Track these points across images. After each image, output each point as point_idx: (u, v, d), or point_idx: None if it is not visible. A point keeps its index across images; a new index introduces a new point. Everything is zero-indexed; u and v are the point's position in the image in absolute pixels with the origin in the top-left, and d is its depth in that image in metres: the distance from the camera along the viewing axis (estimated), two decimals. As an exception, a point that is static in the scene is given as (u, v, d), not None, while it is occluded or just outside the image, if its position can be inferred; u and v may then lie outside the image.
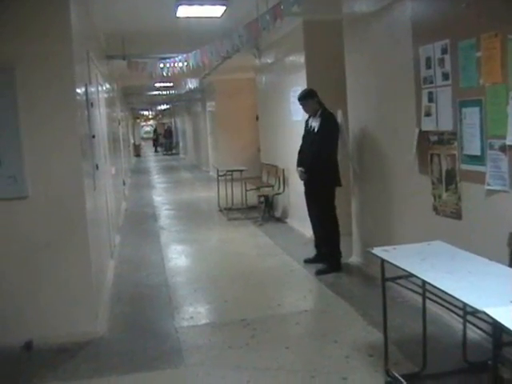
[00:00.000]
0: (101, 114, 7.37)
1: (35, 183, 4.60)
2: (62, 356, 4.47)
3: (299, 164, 6.67)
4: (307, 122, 6.71)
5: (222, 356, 4.30)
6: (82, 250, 4.78)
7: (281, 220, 9.95)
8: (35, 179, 4.60)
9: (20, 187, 4.57)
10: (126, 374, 4.13)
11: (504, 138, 3.83)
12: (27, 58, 4.51)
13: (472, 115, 4.20)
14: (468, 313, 3.11)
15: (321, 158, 6.32)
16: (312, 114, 6.58)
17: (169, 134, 41.11)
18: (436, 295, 3.25)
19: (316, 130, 6.43)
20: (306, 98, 6.58)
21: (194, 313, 5.38)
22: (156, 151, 41.18)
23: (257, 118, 12.43)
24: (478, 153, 4.15)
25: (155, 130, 45.57)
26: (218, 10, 7.53)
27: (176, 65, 8.86)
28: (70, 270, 4.74)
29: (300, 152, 6.74)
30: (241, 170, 11.24)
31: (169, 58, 9.14)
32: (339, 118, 6.53)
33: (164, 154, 37.51)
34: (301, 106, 6.73)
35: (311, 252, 6.89)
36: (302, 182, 6.70)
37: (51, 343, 4.61)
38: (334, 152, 6.41)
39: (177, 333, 4.86)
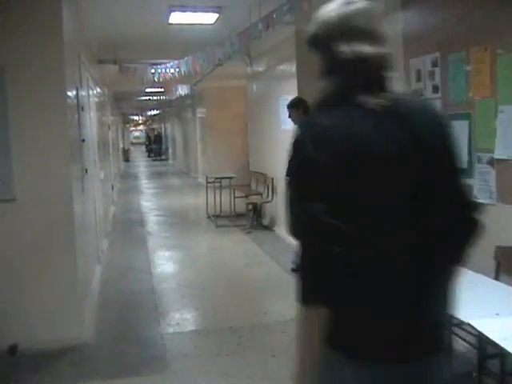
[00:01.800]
0: (91, 118, 7.36)
1: (23, 186, 4.58)
2: (46, 361, 4.44)
3: (288, 173, 6.66)
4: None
5: (207, 363, 4.29)
6: (68, 254, 4.76)
7: (269, 228, 9.95)
8: (23, 182, 4.58)
9: (8, 190, 4.55)
10: (110, 379, 4.11)
11: (492, 151, 3.87)
12: (18, 59, 4.50)
13: (461, 128, 4.23)
14: (453, 324, 3.12)
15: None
16: (297, 123, 6.58)
17: (158, 139, 41.04)
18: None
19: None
20: (291, 107, 6.57)
21: (180, 319, 5.37)
22: (149, 156, 41.01)
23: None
24: (466, 166, 4.18)
25: (148, 135, 45.32)
26: (210, 18, 7.54)
27: (167, 71, 8.88)
28: (56, 274, 4.71)
29: (290, 161, 6.73)
30: (230, 178, 11.24)
31: (160, 64, 9.16)
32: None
33: (153, 160, 37.44)
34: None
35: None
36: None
37: (36, 348, 4.57)
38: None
39: (162, 339, 4.84)
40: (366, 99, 1.68)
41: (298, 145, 1.80)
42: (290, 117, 6.67)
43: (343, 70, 1.78)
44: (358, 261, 1.65)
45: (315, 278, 1.71)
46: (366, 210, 1.66)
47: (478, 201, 1.81)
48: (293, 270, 6.81)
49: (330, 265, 1.67)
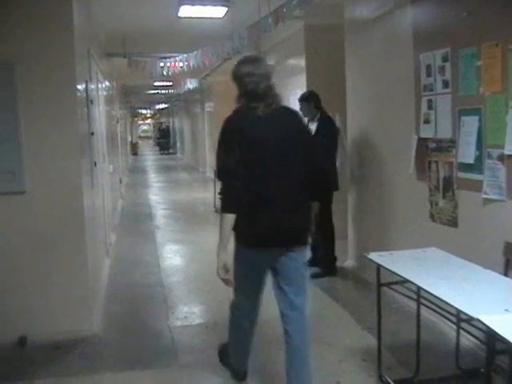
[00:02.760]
0: (100, 111, 7.37)
1: (33, 179, 4.60)
2: (55, 353, 4.47)
3: None
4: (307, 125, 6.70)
5: (215, 356, 4.29)
6: (78, 247, 4.78)
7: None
8: (33, 175, 4.60)
9: (18, 182, 4.57)
10: (120, 372, 4.14)
11: (502, 147, 3.85)
12: (28, 53, 4.51)
13: (471, 124, 4.21)
14: (462, 320, 3.12)
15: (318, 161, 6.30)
16: (309, 117, 6.58)
17: (166, 133, 41.05)
18: (430, 301, 3.26)
19: (313, 133, 6.43)
20: (301, 100, 6.57)
21: (188, 313, 5.39)
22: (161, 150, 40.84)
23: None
24: (476, 161, 4.17)
25: (159, 129, 44.97)
26: (220, 11, 7.54)
27: (176, 64, 8.88)
28: (66, 267, 4.74)
29: None
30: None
31: (169, 57, 9.15)
32: (337, 121, 6.53)
33: (161, 154, 37.47)
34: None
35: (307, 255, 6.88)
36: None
37: (45, 340, 4.61)
38: (332, 155, 6.41)
39: (171, 332, 4.86)
40: (258, 108, 3.26)
41: (224, 130, 3.31)
42: (300, 110, 6.65)
43: (247, 94, 3.31)
44: (251, 189, 3.18)
45: (227, 198, 3.23)
46: (257, 164, 3.22)
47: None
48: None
49: (235, 191, 3.19)
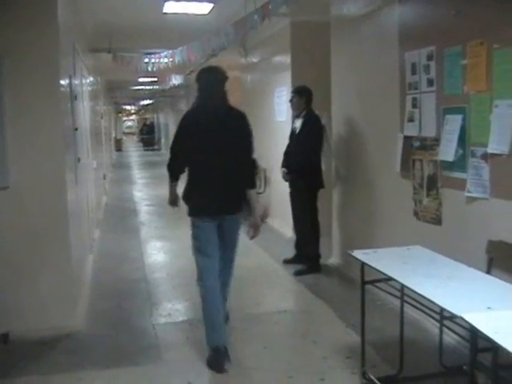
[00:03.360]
0: (84, 106, 7.33)
1: (17, 174, 4.56)
2: (40, 349, 4.45)
3: (284, 165, 6.67)
4: (293, 122, 6.70)
5: (199, 353, 4.29)
6: (62, 243, 4.76)
7: (261, 219, 9.94)
8: (17, 169, 4.56)
9: (1, 177, 4.52)
10: (105, 369, 4.13)
11: (486, 146, 3.87)
12: (13, 47, 4.47)
13: (454, 122, 4.24)
14: (445, 317, 3.14)
15: (302, 159, 6.32)
16: (296, 112, 6.58)
17: (151, 129, 40.85)
18: (414, 299, 3.28)
19: (298, 130, 6.44)
20: (295, 92, 6.56)
21: (172, 309, 5.38)
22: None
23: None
24: (460, 160, 4.19)
25: (144, 125, 44.36)
26: (205, 7, 7.52)
27: (161, 60, 8.84)
28: (49, 262, 4.71)
29: (286, 153, 6.72)
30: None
31: (155, 53, 9.12)
32: (324, 120, 6.54)
33: (145, 150, 37.31)
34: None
35: (291, 252, 6.90)
36: (287, 183, 6.70)
37: (29, 336, 4.58)
38: (317, 153, 6.42)
39: (154, 329, 4.85)
40: (206, 107, 4.20)
41: (179, 123, 4.31)
42: (290, 101, 6.64)
43: (199, 95, 4.26)
44: (193, 171, 4.22)
45: (169, 171, 4.42)
46: (197, 151, 4.12)
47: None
48: (285, 262, 6.84)
49: (173, 168, 4.39)
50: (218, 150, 4.10)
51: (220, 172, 4.11)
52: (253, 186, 4.39)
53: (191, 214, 4.26)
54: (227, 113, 4.24)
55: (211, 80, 4.24)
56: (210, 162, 4.13)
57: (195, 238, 4.26)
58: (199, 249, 4.26)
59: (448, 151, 4.28)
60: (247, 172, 4.32)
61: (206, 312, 4.21)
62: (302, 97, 6.44)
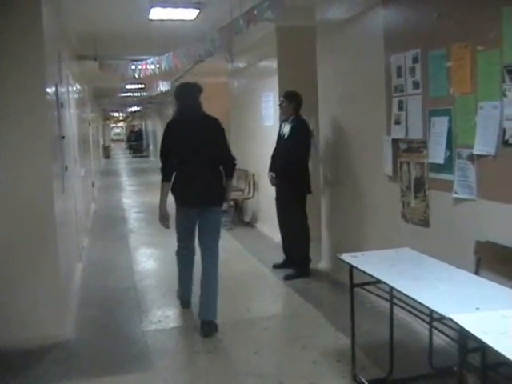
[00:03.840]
0: (71, 114, 7.31)
1: (3, 183, 4.54)
2: (28, 359, 4.40)
3: (271, 169, 6.67)
4: (280, 126, 6.71)
5: (190, 360, 4.29)
6: (50, 251, 4.72)
7: (250, 224, 9.96)
8: (3, 179, 4.54)
9: (-13, 187, 4.50)
10: (95, 378, 4.09)
11: (472, 147, 3.89)
12: (-3, 55, 4.45)
13: (441, 124, 4.26)
14: (434, 319, 3.15)
15: (290, 164, 6.33)
16: (285, 117, 6.59)
17: (139, 136, 40.77)
18: (403, 301, 3.28)
19: (286, 136, 6.45)
20: (284, 97, 6.57)
21: (162, 316, 5.35)
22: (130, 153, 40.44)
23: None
24: (447, 162, 4.21)
25: (132, 131, 44.16)
26: (191, 13, 7.50)
27: (148, 67, 8.83)
28: (37, 272, 4.68)
29: (273, 157, 6.73)
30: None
31: (141, 59, 9.11)
32: (311, 124, 6.55)
33: (133, 157, 37.22)
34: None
35: (280, 257, 6.90)
36: (274, 188, 6.71)
37: (17, 346, 4.53)
38: (305, 159, 6.43)
39: (144, 337, 4.83)
40: (185, 115, 5.05)
41: (164, 129, 5.03)
42: (279, 105, 6.65)
43: (179, 107, 5.14)
44: (179, 168, 4.93)
45: (163, 172, 5.01)
46: (181, 151, 4.91)
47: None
48: (274, 267, 6.83)
49: (166, 168, 5.00)
50: (197, 150, 4.88)
51: (201, 168, 4.90)
52: (230, 176, 5.16)
53: (178, 203, 5.08)
54: (203, 119, 5.05)
55: (188, 93, 5.09)
56: (191, 160, 4.90)
57: (178, 223, 5.18)
58: (179, 233, 5.27)
59: (437, 154, 4.30)
60: (225, 164, 5.07)
61: (178, 274, 5.53)
62: (292, 102, 6.46)
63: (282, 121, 6.69)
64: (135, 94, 21.63)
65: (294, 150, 6.34)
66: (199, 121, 5.02)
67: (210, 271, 4.99)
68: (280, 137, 6.61)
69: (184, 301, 5.55)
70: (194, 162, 4.90)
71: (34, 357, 4.45)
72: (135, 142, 39.89)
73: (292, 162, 6.33)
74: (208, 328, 4.81)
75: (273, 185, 6.65)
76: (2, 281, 4.59)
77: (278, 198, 6.70)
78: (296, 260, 6.56)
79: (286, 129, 6.47)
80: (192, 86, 5.15)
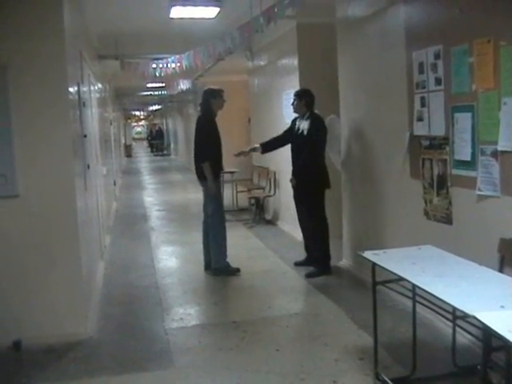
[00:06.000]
0: (93, 113, 7.36)
1: (26, 182, 4.59)
2: (51, 356, 4.45)
3: (293, 173, 6.62)
4: (294, 122, 6.69)
5: (211, 358, 4.29)
6: (72, 250, 4.76)
7: (271, 222, 9.95)
8: (26, 178, 4.58)
9: (11, 186, 4.55)
10: (116, 375, 4.12)
11: (495, 143, 3.85)
12: (20, 56, 4.50)
13: (464, 121, 4.22)
14: (458, 317, 3.12)
15: (313, 161, 6.33)
16: (300, 114, 6.58)
17: (160, 134, 40.96)
18: (426, 299, 3.26)
19: (305, 132, 6.42)
20: (295, 95, 6.59)
21: (183, 314, 5.37)
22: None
23: (249, 121, 12.44)
24: (470, 158, 4.17)
25: (153, 130, 44.23)
26: (211, 12, 7.52)
27: (169, 65, 8.86)
28: (60, 270, 4.72)
29: (293, 161, 6.67)
30: (232, 172, 11.24)
31: (162, 58, 9.13)
32: (326, 121, 6.53)
33: (155, 155, 37.40)
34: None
35: (302, 255, 6.89)
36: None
37: (40, 343, 4.59)
38: (322, 155, 6.44)
39: (166, 334, 4.85)
40: (210, 112, 6.75)
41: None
42: (292, 104, 6.66)
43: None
44: (215, 161, 6.67)
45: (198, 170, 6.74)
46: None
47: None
48: (296, 264, 6.83)
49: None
50: (194, 142, 6.79)
51: (195, 157, 6.76)
52: (202, 161, 6.56)
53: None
54: (199, 117, 6.80)
55: (203, 98, 6.75)
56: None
57: (219, 192, 6.81)
58: (219, 200, 6.83)
59: (463, 151, 4.25)
60: (198, 154, 6.71)
61: (221, 240, 6.77)
62: (302, 99, 6.49)
63: (297, 117, 6.68)
64: (156, 93, 21.70)
65: (315, 149, 6.34)
66: (198, 118, 6.86)
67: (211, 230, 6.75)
68: (296, 134, 6.57)
69: (231, 269, 6.69)
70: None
71: (56, 354, 4.49)
72: (156, 141, 40.10)
73: (314, 159, 6.33)
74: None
75: (293, 186, 6.63)
76: (26, 279, 4.64)
77: (295, 196, 6.69)
78: (316, 257, 6.54)
79: (304, 125, 6.45)
80: (205, 92, 6.79)
